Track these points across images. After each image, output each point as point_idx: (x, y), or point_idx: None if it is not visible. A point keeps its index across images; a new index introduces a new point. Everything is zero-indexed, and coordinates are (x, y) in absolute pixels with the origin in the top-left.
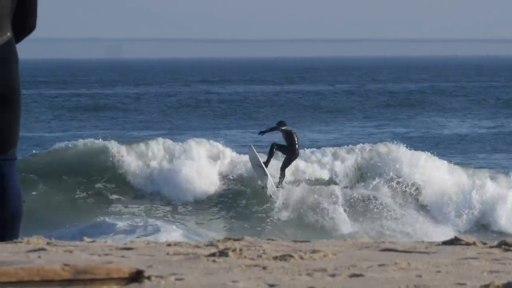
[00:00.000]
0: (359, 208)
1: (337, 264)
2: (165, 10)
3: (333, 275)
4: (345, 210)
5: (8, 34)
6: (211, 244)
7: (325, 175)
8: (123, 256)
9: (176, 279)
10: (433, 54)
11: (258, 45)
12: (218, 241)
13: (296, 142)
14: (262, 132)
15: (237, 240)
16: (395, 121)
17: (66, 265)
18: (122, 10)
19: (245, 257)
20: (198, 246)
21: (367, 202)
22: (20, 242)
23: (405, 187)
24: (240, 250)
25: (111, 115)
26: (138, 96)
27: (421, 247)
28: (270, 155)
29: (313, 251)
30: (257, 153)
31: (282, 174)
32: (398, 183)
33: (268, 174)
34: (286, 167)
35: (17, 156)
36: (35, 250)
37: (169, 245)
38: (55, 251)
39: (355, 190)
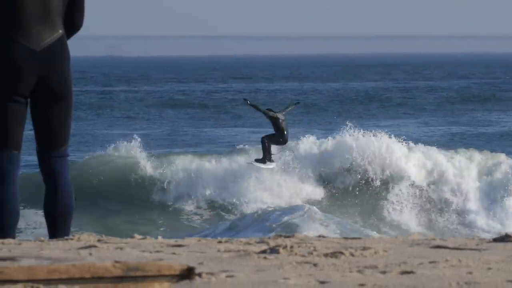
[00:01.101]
0: None
1: (388, 261)
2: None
3: (383, 272)
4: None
5: (60, 31)
6: (262, 241)
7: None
8: (174, 253)
9: (227, 276)
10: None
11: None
12: (269, 238)
13: (284, 129)
14: (247, 101)
15: (288, 237)
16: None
17: (117, 262)
18: (120, 7)
19: (296, 254)
20: (249, 243)
21: None
22: (71, 239)
23: None
24: (291, 247)
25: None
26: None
27: (472, 244)
28: (264, 149)
29: (364, 248)
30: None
31: (263, 144)
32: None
33: (269, 162)
34: (270, 141)
35: (68, 153)
36: (86, 247)
37: (220, 242)
38: (106, 248)
39: None
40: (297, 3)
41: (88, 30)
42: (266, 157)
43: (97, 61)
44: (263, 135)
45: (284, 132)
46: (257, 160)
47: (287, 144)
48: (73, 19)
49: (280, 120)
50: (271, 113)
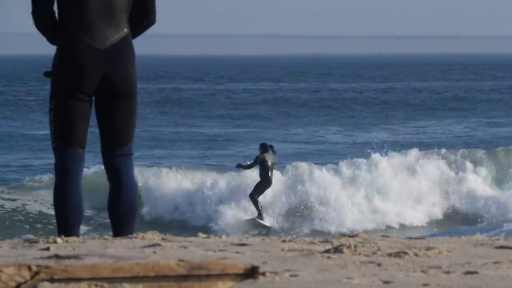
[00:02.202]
0: None
1: (452, 261)
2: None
3: (447, 272)
4: None
5: (125, 30)
6: (325, 241)
7: None
8: (238, 252)
9: (291, 275)
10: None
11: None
12: (333, 237)
13: (269, 170)
14: (239, 166)
15: (352, 236)
16: None
17: (181, 260)
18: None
19: (359, 253)
20: (313, 243)
21: None
22: (135, 237)
23: None
24: (355, 246)
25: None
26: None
27: None
28: (256, 206)
29: (428, 248)
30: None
31: (255, 202)
32: None
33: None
34: (258, 193)
35: (133, 152)
36: (150, 246)
37: (284, 241)
38: (170, 246)
39: None
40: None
41: None
42: (261, 212)
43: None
44: (249, 193)
45: (270, 173)
46: (258, 218)
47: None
48: (145, 15)
49: (269, 163)
50: (260, 157)
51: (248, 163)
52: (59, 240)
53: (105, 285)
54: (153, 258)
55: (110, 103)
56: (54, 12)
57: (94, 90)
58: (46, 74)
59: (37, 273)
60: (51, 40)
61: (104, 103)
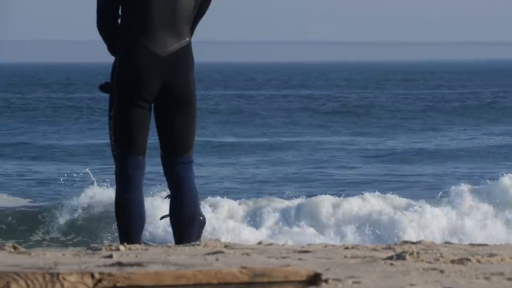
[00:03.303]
0: None
1: None
2: None
3: (510, 279)
4: None
5: (187, 39)
6: (388, 247)
7: None
8: (300, 259)
9: (354, 282)
10: None
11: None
12: (395, 244)
13: None
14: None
15: (415, 243)
16: None
17: (244, 268)
18: None
19: (422, 260)
20: (375, 249)
21: None
22: (198, 245)
23: None
24: (418, 253)
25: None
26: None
27: None
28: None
29: (491, 255)
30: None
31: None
32: None
33: None
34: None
35: (193, 159)
36: (213, 253)
37: (346, 248)
38: (232, 254)
39: None
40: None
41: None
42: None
43: None
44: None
45: None
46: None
47: None
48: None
49: None
50: None
51: None
52: (121, 247)
53: None
54: (216, 266)
55: (170, 111)
56: (118, 17)
57: (154, 97)
58: (102, 88)
59: (100, 280)
60: (111, 47)
61: (163, 111)
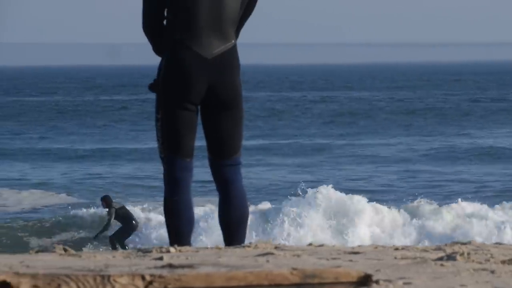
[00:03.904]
0: None
1: None
2: None
3: None
4: None
5: (233, 41)
6: (438, 248)
7: None
8: (350, 260)
9: (404, 283)
10: None
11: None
12: (446, 245)
13: (131, 216)
14: (96, 237)
15: (465, 244)
16: None
17: (294, 269)
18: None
19: (473, 261)
20: (425, 250)
21: None
22: (248, 246)
23: None
24: (468, 254)
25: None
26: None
27: None
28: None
29: None
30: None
31: (115, 243)
32: None
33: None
34: (122, 238)
35: (241, 161)
36: (263, 255)
37: (396, 249)
38: (283, 255)
39: None
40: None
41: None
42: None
43: None
44: (109, 235)
45: (133, 217)
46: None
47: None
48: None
49: (123, 209)
50: (111, 208)
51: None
52: (172, 249)
53: None
54: (267, 267)
55: (217, 113)
56: (164, 18)
57: (200, 100)
58: (152, 87)
59: (150, 282)
60: (157, 48)
61: (210, 113)
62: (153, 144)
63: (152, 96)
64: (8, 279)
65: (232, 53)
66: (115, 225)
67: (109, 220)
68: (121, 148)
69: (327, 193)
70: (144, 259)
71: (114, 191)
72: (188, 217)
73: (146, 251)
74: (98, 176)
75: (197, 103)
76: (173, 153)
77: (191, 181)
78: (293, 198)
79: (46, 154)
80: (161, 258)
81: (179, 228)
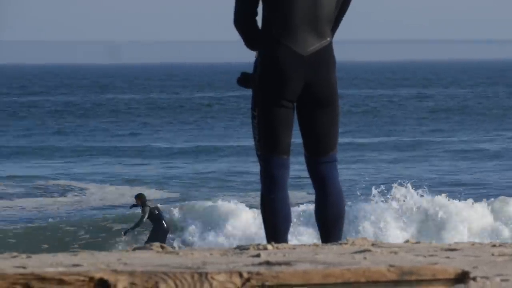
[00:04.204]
0: None
1: None
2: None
3: None
4: None
5: (328, 39)
6: None
7: None
8: (447, 257)
9: (502, 280)
10: None
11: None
12: None
13: (163, 217)
14: (126, 232)
15: None
16: None
17: (391, 266)
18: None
19: None
20: None
21: None
22: (345, 243)
23: None
24: None
25: None
26: None
27: None
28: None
29: None
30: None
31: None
32: None
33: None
34: (155, 240)
35: (337, 158)
36: (360, 252)
37: (494, 245)
38: (380, 252)
39: None
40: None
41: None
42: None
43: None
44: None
45: (163, 220)
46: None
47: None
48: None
49: (156, 209)
50: (146, 207)
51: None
52: (269, 246)
53: None
54: (364, 264)
55: (313, 110)
56: (256, 14)
57: (297, 97)
58: (240, 81)
59: (248, 279)
60: (249, 43)
61: (306, 110)
62: (246, 141)
63: (239, 92)
64: (106, 277)
65: (327, 50)
66: (143, 224)
67: (142, 217)
68: (214, 145)
69: (413, 192)
70: (241, 256)
71: (209, 186)
72: (285, 215)
73: (243, 248)
74: (190, 173)
75: (293, 100)
76: (270, 151)
77: (287, 178)
78: (385, 195)
79: (136, 150)
80: (258, 255)
81: (276, 226)
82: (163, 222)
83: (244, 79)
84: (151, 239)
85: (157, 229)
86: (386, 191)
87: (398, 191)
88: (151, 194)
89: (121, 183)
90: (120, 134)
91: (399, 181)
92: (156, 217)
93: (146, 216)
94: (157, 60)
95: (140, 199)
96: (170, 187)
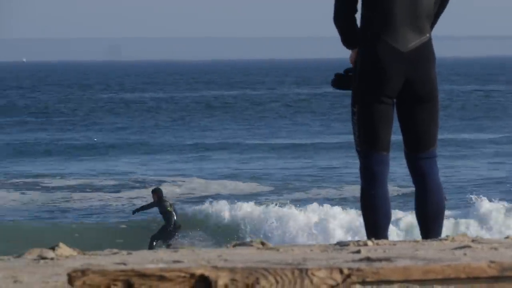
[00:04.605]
0: None
1: None
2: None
3: None
4: None
5: (427, 35)
6: None
7: None
8: None
9: None
10: None
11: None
12: None
13: (175, 213)
14: (136, 211)
15: None
16: None
17: (492, 262)
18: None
19: None
20: None
21: None
22: (445, 239)
23: None
24: None
25: None
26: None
27: None
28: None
29: None
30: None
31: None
32: None
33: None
34: (160, 239)
35: (436, 154)
36: (460, 248)
37: None
38: (480, 248)
39: None
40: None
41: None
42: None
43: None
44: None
45: (175, 217)
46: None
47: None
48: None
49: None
50: (165, 203)
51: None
52: (369, 242)
53: (417, 287)
54: (464, 260)
55: (413, 107)
56: (355, 12)
57: (397, 93)
58: (335, 84)
59: (348, 276)
60: (346, 40)
61: (406, 107)
62: (345, 137)
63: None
64: (207, 273)
65: (427, 46)
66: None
67: (168, 211)
68: (311, 142)
69: None
70: (341, 253)
71: (306, 180)
72: (385, 211)
73: (343, 245)
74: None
75: (393, 96)
76: (370, 147)
77: (387, 174)
78: (483, 194)
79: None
80: (358, 252)
81: (376, 222)
82: (175, 219)
83: (338, 81)
84: (160, 234)
85: (168, 225)
86: (481, 189)
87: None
88: (263, 188)
89: (243, 179)
90: (214, 129)
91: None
92: (169, 214)
93: (170, 208)
94: (255, 56)
95: (157, 194)
96: (266, 182)
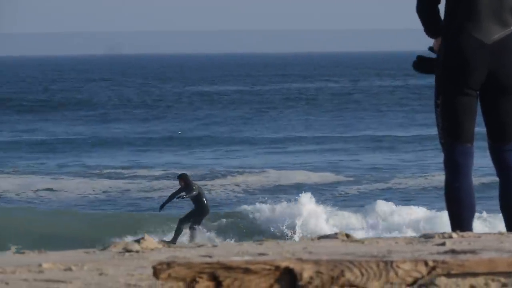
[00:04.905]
0: None
1: None
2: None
3: None
4: None
5: (511, 27)
6: None
7: None
8: None
9: None
10: None
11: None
12: None
13: (204, 197)
14: (162, 206)
15: None
16: None
17: None
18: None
19: None
20: None
21: None
22: None
23: None
24: None
25: None
26: None
27: None
28: (177, 235)
29: None
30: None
31: (179, 230)
32: None
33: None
34: (189, 223)
35: None
36: None
37: None
38: None
39: None
40: None
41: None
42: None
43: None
44: (179, 217)
45: (205, 200)
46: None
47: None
48: None
49: (198, 189)
50: (194, 188)
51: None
52: (454, 235)
53: (502, 279)
54: None
55: (497, 98)
56: (439, 2)
57: (480, 85)
58: (416, 65)
59: (433, 268)
60: (430, 30)
61: (490, 99)
62: (429, 130)
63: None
64: (292, 266)
65: (511, 39)
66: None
67: (196, 196)
68: (396, 135)
69: None
70: (426, 245)
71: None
72: (469, 203)
73: (428, 237)
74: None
75: (477, 88)
76: (454, 139)
77: (472, 167)
78: None
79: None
80: (443, 244)
81: (461, 214)
82: (205, 204)
83: (420, 63)
84: (188, 219)
85: (198, 209)
86: None
87: None
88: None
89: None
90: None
91: None
92: (199, 198)
93: (196, 193)
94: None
95: (183, 179)
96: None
